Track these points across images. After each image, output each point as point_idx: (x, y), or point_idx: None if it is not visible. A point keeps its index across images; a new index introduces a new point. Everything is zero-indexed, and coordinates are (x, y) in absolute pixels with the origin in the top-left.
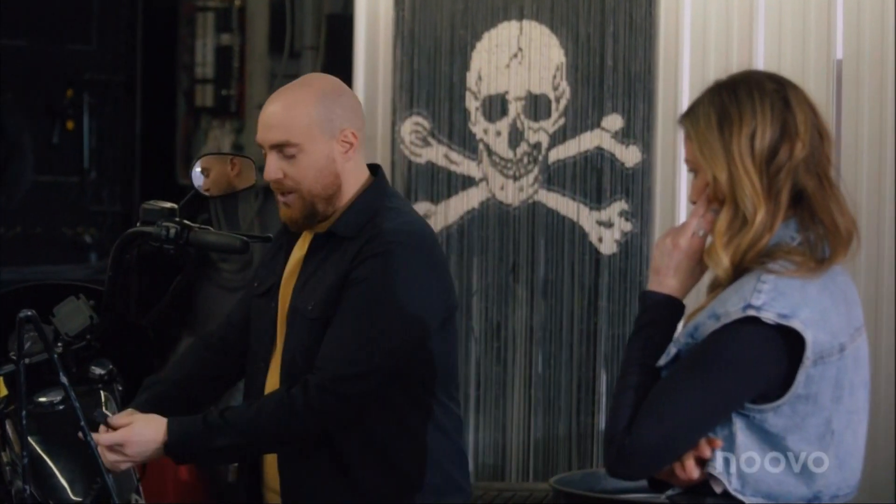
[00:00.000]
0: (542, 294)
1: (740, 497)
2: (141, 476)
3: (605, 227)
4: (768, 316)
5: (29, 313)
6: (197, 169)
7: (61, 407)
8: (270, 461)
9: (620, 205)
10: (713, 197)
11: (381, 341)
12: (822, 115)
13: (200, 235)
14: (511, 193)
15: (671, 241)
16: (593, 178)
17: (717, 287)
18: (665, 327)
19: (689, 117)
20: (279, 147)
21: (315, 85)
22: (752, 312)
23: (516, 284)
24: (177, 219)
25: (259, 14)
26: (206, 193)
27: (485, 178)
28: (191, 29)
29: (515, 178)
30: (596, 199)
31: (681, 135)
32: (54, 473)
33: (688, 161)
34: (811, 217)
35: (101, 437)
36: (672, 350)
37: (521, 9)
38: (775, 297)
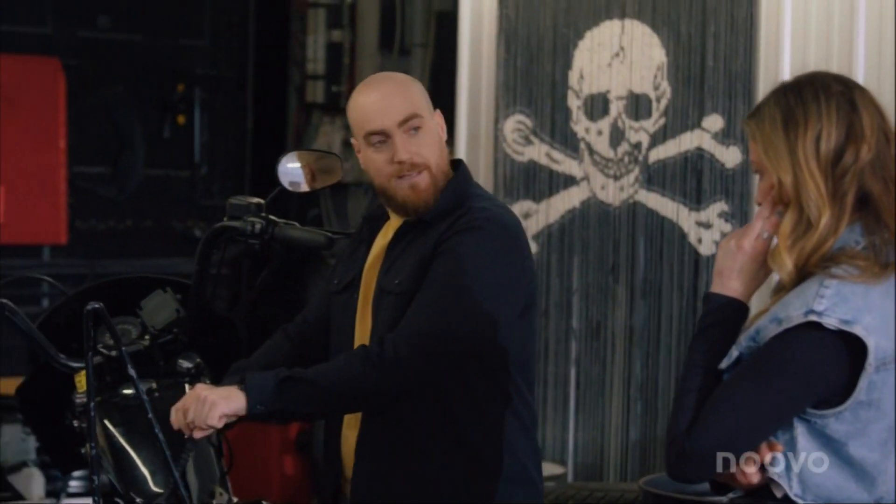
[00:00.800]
0: (642, 294)
1: (800, 501)
2: (228, 469)
3: (704, 228)
4: (830, 322)
5: (96, 306)
6: (289, 165)
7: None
8: (348, 452)
9: (720, 206)
10: (778, 199)
11: (463, 308)
12: (888, 117)
13: (285, 231)
14: (611, 193)
15: (736, 243)
16: (693, 179)
17: (780, 290)
18: (728, 330)
19: (755, 118)
20: (407, 122)
21: (396, 75)
22: (813, 318)
23: (616, 284)
24: (263, 214)
25: (370, 11)
26: (294, 189)
27: (586, 178)
28: (302, 25)
29: (616, 178)
30: (695, 200)
31: None
32: (136, 465)
33: (753, 162)
34: (876, 221)
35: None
36: (734, 353)
37: (622, 8)
38: (837, 302)
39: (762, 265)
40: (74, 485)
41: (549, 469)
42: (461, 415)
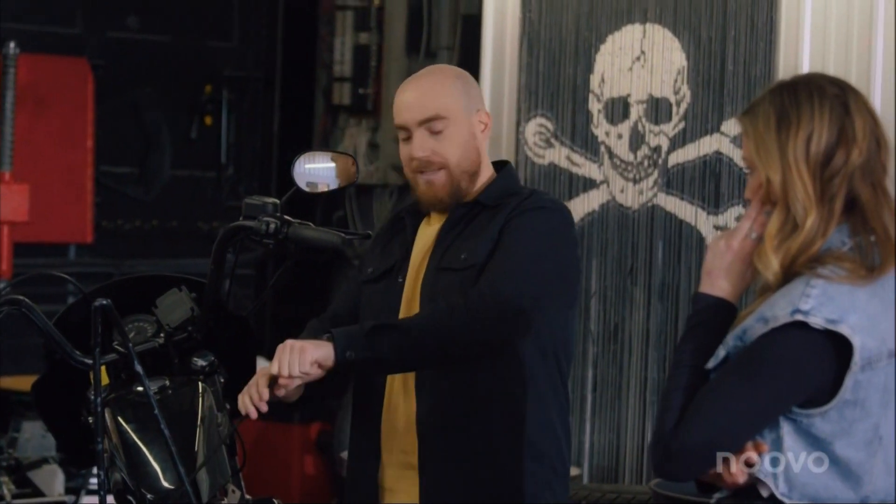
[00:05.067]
0: (660, 297)
1: (787, 501)
2: (241, 467)
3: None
4: (816, 321)
5: (104, 303)
6: (306, 165)
7: (158, 396)
8: (388, 456)
9: (738, 209)
10: (766, 199)
11: (537, 276)
12: (881, 122)
13: (299, 231)
14: (631, 196)
15: (724, 242)
16: (712, 183)
17: (766, 290)
18: (715, 329)
19: (749, 116)
20: (427, 123)
21: (447, 69)
22: (799, 317)
23: (634, 287)
24: (278, 214)
25: (397, 13)
26: (311, 190)
27: (605, 181)
28: (330, 27)
29: (635, 181)
30: (714, 204)
31: None
32: (148, 461)
33: (745, 158)
34: (863, 225)
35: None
36: (721, 352)
37: (644, 12)
38: (824, 301)
39: (750, 265)
40: (94, 481)
41: None
42: (529, 415)
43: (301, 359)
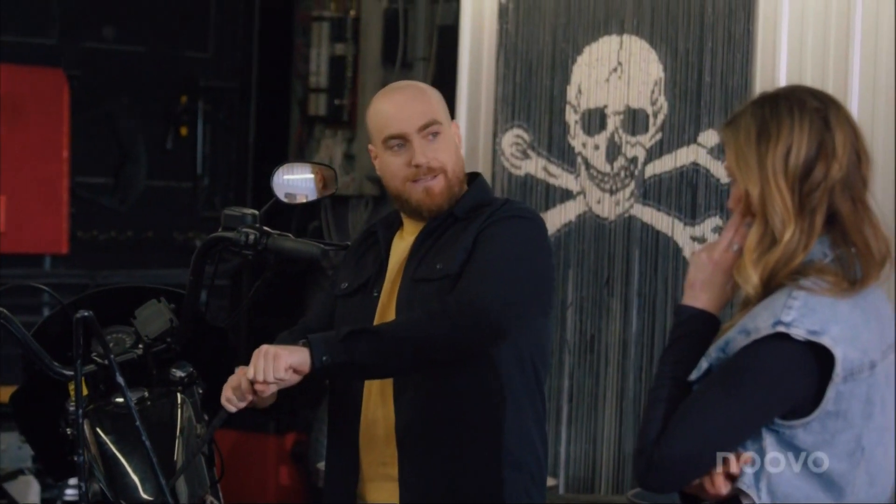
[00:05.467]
0: (636, 308)
1: None
2: (220, 476)
3: (698, 243)
4: (798, 332)
5: (86, 314)
6: (284, 177)
7: (137, 407)
8: (368, 463)
9: (714, 221)
10: (747, 210)
11: (512, 278)
12: (862, 136)
13: (278, 242)
14: (607, 207)
15: (707, 255)
16: (688, 194)
17: (747, 304)
18: (698, 341)
19: (731, 127)
20: (427, 127)
21: (417, 83)
22: (781, 329)
23: (610, 298)
24: (257, 225)
25: (373, 24)
26: (289, 201)
27: (582, 192)
28: (306, 38)
29: (612, 192)
30: (691, 215)
31: None
32: (127, 472)
33: (727, 169)
34: (843, 238)
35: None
36: (703, 364)
37: (621, 23)
38: (805, 313)
39: (732, 277)
40: (70, 493)
41: None
42: (506, 423)
43: (276, 364)
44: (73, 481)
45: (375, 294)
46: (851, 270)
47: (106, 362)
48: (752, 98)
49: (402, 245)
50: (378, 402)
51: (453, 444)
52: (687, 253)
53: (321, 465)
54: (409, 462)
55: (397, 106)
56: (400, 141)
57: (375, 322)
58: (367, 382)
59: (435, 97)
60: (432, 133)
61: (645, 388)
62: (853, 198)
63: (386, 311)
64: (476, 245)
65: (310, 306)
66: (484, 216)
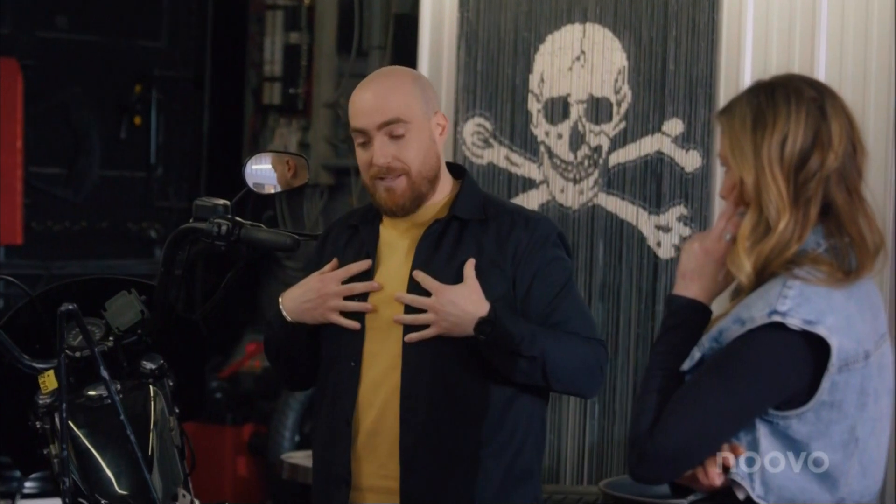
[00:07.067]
0: (600, 297)
1: (763, 503)
2: (190, 471)
3: (663, 232)
4: (794, 322)
5: (70, 307)
6: (254, 167)
7: (109, 401)
8: (358, 458)
9: (679, 209)
10: (740, 199)
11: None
12: (858, 127)
13: (251, 232)
14: (571, 196)
15: (699, 244)
16: (653, 183)
17: (739, 294)
18: (690, 331)
19: (726, 114)
20: (388, 126)
21: (402, 70)
22: (777, 318)
23: None
24: (229, 216)
25: (328, 13)
26: (260, 191)
27: (545, 181)
28: (260, 27)
29: (576, 181)
30: (655, 204)
31: None
32: (101, 467)
33: (721, 156)
34: (838, 229)
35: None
36: (696, 354)
37: (584, 12)
38: (801, 303)
39: (724, 266)
40: (30, 485)
41: None
42: (514, 433)
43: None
44: (33, 474)
45: (360, 299)
46: (846, 260)
47: (78, 355)
48: (749, 85)
49: (388, 242)
50: (380, 414)
51: (464, 464)
52: (651, 242)
53: (285, 457)
54: (413, 478)
55: (363, 100)
56: (363, 137)
57: (365, 326)
58: (367, 394)
59: (411, 90)
60: (394, 134)
61: (609, 378)
62: (848, 188)
63: (374, 315)
64: (541, 273)
65: (267, 298)
66: (501, 227)
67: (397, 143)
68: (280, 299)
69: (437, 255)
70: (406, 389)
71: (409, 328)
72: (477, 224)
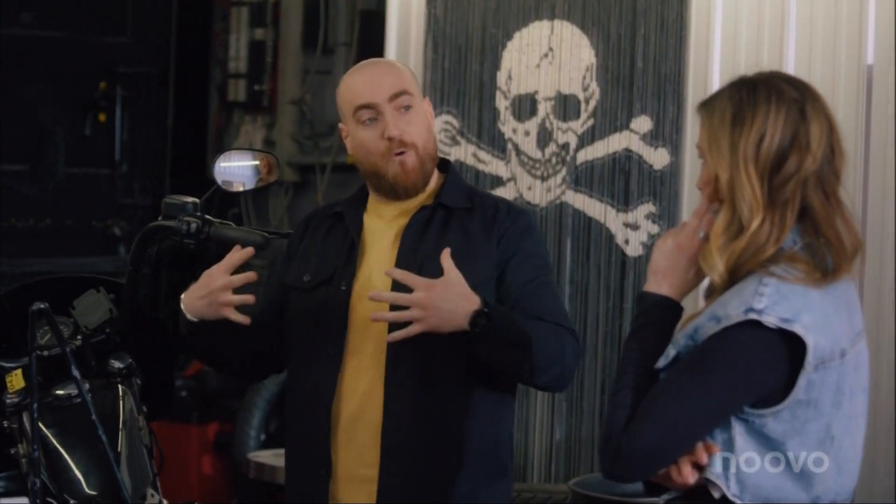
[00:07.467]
0: (568, 295)
1: (738, 502)
2: (158, 471)
3: (631, 230)
4: (770, 320)
5: (42, 306)
6: (223, 164)
7: (78, 400)
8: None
9: (647, 207)
10: (715, 195)
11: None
12: (838, 130)
13: (221, 230)
14: (538, 194)
15: (672, 241)
16: (621, 180)
17: (712, 293)
18: (662, 329)
19: (707, 107)
20: (397, 98)
21: (389, 59)
22: (753, 316)
23: None
24: (198, 213)
25: (293, 9)
26: (228, 188)
27: (513, 178)
28: (225, 23)
29: (543, 179)
30: (623, 201)
31: None
32: (70, 467)
33: (699, 148)
34: (814, 231)
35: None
36: (671, 352)
37: (552, 8)
38: (777, 300)
39: (696, 264)
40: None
41: None
42: (493, 428)
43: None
44: (25, 476)
45: (344, 287)
46: (822, 260)
47: (47, 354)
48: (731, 79)
49: (373, 229)
50: (363, 402)
51: (445, 455)
52: (620, 240)
53: (252, 456)
54: (392, 467)
55: (367, 76)
56: (371, 113)
57: (349, 317)
58: (349, 381)
59: (407, 71)
60: (404, 105)
61: (577, 376)
62: (825, 192)
63: (358, 303)
64: (514, 261)
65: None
66: (486, 215)
67: (407, 117)
68: (182, 298)
69: (423, 242)
70: (390, 377)
71: (392, 324)
72: (463, 212)
